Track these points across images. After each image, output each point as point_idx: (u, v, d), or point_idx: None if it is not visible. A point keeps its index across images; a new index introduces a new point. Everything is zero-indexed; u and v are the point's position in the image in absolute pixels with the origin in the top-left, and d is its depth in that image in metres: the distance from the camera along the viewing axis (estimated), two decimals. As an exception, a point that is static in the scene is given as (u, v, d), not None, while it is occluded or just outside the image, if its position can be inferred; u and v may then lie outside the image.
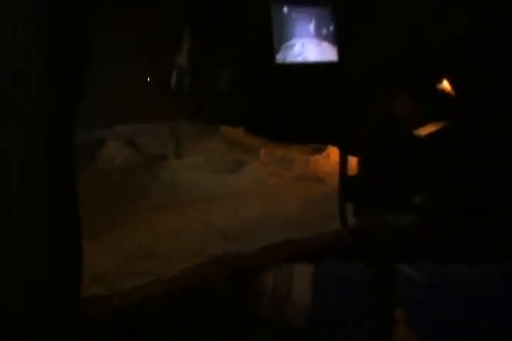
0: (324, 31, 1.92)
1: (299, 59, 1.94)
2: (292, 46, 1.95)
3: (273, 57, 1.93)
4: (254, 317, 1.53)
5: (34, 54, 1.13)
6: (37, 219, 1.09)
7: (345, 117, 1.31)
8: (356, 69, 1.13)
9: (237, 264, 1.56)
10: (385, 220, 1.17)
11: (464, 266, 1.55)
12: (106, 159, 1.90)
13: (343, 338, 1.32)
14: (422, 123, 2.68)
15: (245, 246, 1.59)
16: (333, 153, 2.02)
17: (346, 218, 1.15)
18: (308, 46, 1.92)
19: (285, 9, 1.85)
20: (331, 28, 1.87)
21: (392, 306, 1.26)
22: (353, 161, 1.37)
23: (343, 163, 1.19)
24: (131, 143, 2.02)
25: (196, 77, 2.34)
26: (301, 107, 1.98)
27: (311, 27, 1.93)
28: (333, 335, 1.36)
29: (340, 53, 1.63)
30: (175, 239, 1.51)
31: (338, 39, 1.82)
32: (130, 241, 1.46)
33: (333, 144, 2.05)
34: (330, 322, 1.35)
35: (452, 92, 2.67)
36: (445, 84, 2.69)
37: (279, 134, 2.25)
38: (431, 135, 2.65)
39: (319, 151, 2.08)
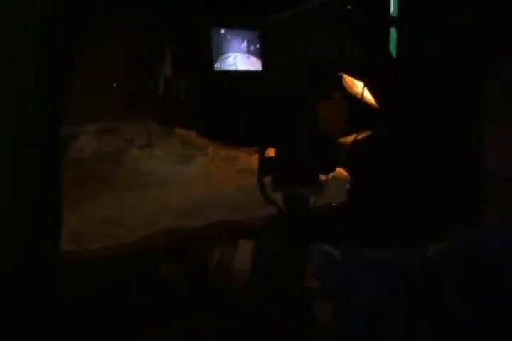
0: (252, 48, 2.44)
1: (232, 68, 2.43)
2: (227, 58, 2.45)
3: (212, 66, 2.41)
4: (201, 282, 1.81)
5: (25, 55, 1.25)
6: (28, 192, 1.36)
7: (270, 121, 1.60)
8: (273, 80, 1.49)
9: (184, 235, 1.91)
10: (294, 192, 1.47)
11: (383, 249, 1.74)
12: (77, 150, 2.23)
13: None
14: (348, 133, 3.04)
15: (191, 223, 1.95)
16: (272, 153, 2.39)
17: (266, 193, 1.46)
18: (239, 58, 2.43)
19: (222, 31, 2.37)
20: (257, 45, 2.39)
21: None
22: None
23: (262, 150, 1.50)
24: (99, 137, 2.35)
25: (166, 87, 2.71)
26: (240, 111, 2.34)
27: (242, 44, 2.44)
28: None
29: (263, 65, 2.06)
30: (134, 212, 1.87)
31: (261, 54, 2.29)
32: (98, 211, 1.82)
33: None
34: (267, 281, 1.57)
35: (375, 103, 3.02)
36: (368, 96, 3.05)
37: (227, 137, 2.61)
38: (355, 142, 3.00)
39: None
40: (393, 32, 3.60)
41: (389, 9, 3.41)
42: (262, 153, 1.44)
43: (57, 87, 1.36)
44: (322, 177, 1.48)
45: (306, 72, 1.41)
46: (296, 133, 1.57)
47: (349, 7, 1.87)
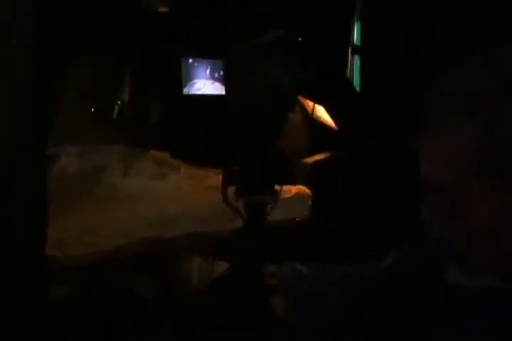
0: (216, 74, 2.74)
1: (199, 92, 2.73)
2: (194, 83, 2.76)
3: (181, 91, 2.70)
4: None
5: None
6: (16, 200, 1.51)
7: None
8: (232, 104, 1.69)
9: (159, 245, 2.11)
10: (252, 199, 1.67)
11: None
12: (59, 169, 2.42)
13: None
14: (310, 154, 3.26)
15: (165, 233, 2.14)
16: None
17: (229, 202, 1.65)
18: (205, 84, 2.74)
19: (190, 60, 2.69)
20: (221, 72, 2.71)
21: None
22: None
23: (226, 167, 1.69)
24: (79, 157, 2.54)
25: (133, 110, 2.92)
26: (207, 133, 2.55)
27: (208, 71, 2.76)
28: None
29: (226, 90, 2.32)
30: (112, 223, 2.07)
31: (224, 80, 2.58)
32: (79, 221, 2.02)
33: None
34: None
35: (335, 126, 3.25)
36: (328, 119, 3.27)
37: (197, 158, 2.82)
38: (316, 163, 3.22)
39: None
40: (357, 60, 3.85)
41: (349, 39, 3.66)
42: (225, 168, 1.63)
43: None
44: (277, 187, 1.68)
45: (263, 96, 1.60)
46: (257, 150, 1.76)
47: (300, 39, 2.09)
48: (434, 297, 1.43)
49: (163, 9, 2.85)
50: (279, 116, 1.68)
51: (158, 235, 2.13)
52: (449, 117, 1.06)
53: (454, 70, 1.12)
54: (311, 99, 3.13)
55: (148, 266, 2.10)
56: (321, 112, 3.16)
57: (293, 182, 2.71)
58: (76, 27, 2.48)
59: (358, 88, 3.45)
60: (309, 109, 3.10)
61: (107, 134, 2.89)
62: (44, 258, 1.46)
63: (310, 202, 2.71)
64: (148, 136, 3.01)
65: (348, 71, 3.56)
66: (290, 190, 2.65)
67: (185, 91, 2.79)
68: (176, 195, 2.31)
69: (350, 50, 3.65)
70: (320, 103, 3.15)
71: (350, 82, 3.45)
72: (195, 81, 2.77)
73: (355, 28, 3.61)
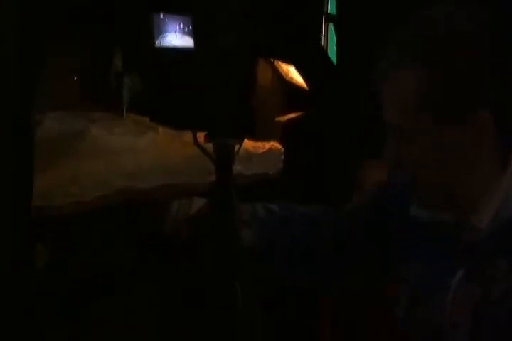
0: (186, 29, 2.96)
1: (170, 44, 2.97)
2: (166, 37, 3.00)
3: (154, 44, 2.91)
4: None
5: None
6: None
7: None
8: (202, 61, 1.80)
9: (136, 195, 2.27)
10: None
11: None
12: (43, 132, 2.56)
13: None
14: (284, 113, 3.41)
15: (142, 184, 2.31)
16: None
17: (200, 144, 1.77)
18: (176, 37, 2.98)
19: (161, 15, 2.92)
20: (191, 27, 2.92)
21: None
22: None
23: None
24: (63, 121, 2.69)
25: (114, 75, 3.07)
26: (181, 92, 2.69)
27: (179, 26, 2.99)
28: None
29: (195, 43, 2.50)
30: (92, 175, 2.24)
31: (194, 34, 2.80)
32: (62, 174, 2.20)
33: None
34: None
35: (307, 87, 3.40)
36: (300, 81, 3.42)
37: (175, 122, 2.95)
38: (289, 121, 3.37)
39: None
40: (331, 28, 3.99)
41: (323, 6, 3.80)
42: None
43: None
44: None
45: (229, 54, 1.72)
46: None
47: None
48: (392, 232, 1.58)
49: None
50: (245, 75, 1.80)
51: (135, 186, 2.29)
52: (399, 62, 1.29)
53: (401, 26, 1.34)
54: (283, 62, 3.28)
55: (127, 215, 2.26)
56: (294, 74, 3.32)
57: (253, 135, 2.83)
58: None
59: (333, 57, 3.59)
60: (283, 71, 3.25)
61: (88, 101, 3.05)
62: (30, 208, 1.55)
63: (282, 157, 2.86)
64: (127, 102, 3.16)
65: (322, 39, 3.70)
66: (264, 145, 2.81)
67: (157, 43, 3.04)
68: (153, 150, 2.47)
69: (324, 18, 3.78)
70: (293, 65, 3.30)
71: (322, 48, 3.59)
72: (165, 34, 3.03)
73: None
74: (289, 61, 3.24)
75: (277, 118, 3.18)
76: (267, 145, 2.85)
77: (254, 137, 2.53)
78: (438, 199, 1.42)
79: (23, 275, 1.49)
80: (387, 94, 1.34)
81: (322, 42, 3.85)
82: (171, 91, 2.97)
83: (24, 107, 1.53)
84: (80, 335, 2.21)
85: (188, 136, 2.82)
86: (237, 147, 1.83)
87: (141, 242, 2.19)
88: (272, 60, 3.26)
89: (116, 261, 2.21)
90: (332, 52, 3.80)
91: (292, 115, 3.25)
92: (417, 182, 1.40)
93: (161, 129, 2.79)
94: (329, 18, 3.99)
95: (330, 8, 4.10)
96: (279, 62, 3.32)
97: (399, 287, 1.54)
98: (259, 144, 2.80)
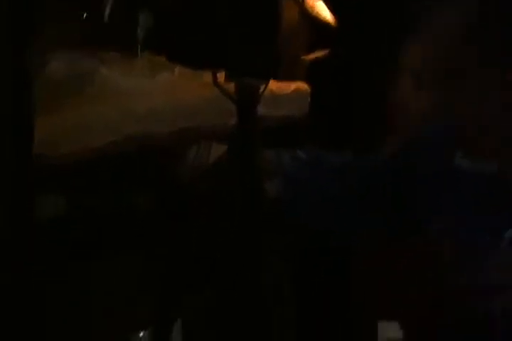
0: None
1: None
2: None
3: None
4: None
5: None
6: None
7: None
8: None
9: (150, 141, 2.10)
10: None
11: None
12: (50, 72, 2.38)
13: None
14: (310, 51, 3.20)
15: (156, 128, 2.13)
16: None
17: (220, 85, 1.62)
18: None
19: None
20: None
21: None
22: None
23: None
24: (71, 62, 2.50)
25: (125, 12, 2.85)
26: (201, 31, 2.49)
27: None
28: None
29: None
30: (102, 120, 2.06)
31: None
32: (69, 119, 2.02)
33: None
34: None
35: (335, 23, 3.18)
36: (327, 16, 3.20)
37: (195, 60, 2.76)
38: (316, 60, 3.17)
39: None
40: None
41: None
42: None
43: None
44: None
45: None
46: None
47: None
48: (425, 184, 1.46)
49: None
50: (269, 8, 1.66)
51: (148, 131, 2.11)
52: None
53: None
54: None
55: (140, 163, 2.10)
56: (321, 8, 3.09)
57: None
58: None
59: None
60: (308, 5, 3.02)
61: (99, 39, 2.84)
62: (31, 156, 1.54)
63: (309, 99, 2.67)
64: (142, 40, 2.95)
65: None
66: (289, 86, 2.61)
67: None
68: (168, 91, 2.28)
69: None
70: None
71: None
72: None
73: None
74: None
75: (303, 57, 2.97)
76: (293, 85, 2.65)
77: (279, 77, 2.33)
78: (487, 146, 1.27)
79: (23, 227, 1.48)
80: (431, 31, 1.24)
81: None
82: (189, 27, 2.75)
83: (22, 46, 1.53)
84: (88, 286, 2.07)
85: (207, 76, 2.63)
86: (262, 88, 1.70)
87: (155, 193, 2.02)
88: (296, -8, 3.02)
89: (127, 214, 2.05)
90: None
91: (319, 53, 3.03)
92: (465, 127, 1.27)
93: (177, 69, 2.58)
94: None
95: None
96: (303, -5, 3.09)
97: (432, 247, 1.42)
98: (284, 84, 2.60)
